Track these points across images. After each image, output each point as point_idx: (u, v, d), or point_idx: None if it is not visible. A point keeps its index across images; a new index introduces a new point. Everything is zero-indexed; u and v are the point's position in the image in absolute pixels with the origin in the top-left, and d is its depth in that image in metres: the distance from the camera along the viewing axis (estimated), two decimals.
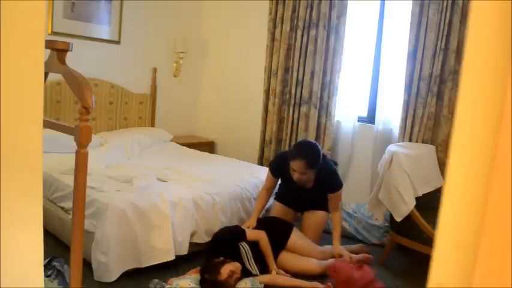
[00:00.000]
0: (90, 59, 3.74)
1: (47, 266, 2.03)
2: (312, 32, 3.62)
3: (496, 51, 0.44)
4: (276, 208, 2.94)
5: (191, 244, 2.60)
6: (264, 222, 2.73)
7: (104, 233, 2.25)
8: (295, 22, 3.75)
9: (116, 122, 4.04)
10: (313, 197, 2.84)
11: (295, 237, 2.65)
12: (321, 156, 2.62)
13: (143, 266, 2.38)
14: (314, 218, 2.89)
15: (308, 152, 2.57)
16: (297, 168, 2.54)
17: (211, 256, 2.39)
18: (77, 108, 1.56)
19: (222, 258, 2.33)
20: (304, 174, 2.57)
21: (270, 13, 3.91)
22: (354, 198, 3.56)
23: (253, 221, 2.69)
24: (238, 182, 3.00)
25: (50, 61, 1.69)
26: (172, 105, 4.59)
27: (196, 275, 2.35)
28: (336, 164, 3.00)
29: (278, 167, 2.78)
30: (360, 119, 3.60)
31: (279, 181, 2.92)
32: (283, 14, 3.80)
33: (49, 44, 1.66)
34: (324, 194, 2.79)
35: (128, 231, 2.32)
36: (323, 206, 2.89)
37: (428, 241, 2.49)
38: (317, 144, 2.70)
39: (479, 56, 0.46)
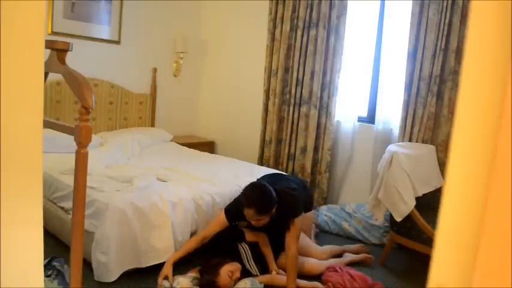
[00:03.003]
0: (90, 59, 3.75)
1: (47, 266, 2.03)
2: (312, 32, 3.62)
3: (496, 51, 0.44)
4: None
5: None
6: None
7: (104, 233, 2.25)
8: (295, 22, 3.75)
9: (116, 122, 4.04)
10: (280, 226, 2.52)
11: None
12: (273, 198, 2.37)
13: (143, 266, 2.38)
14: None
15: (256, 199, 2.34)
16: (250, 217, 2.38)
17: (211, 257, 2.39)
18: (77, 108, 1.56)
19: (221, 259, 2.33)
20: (259, 220, 2.38)
21: (270, 13, 3.91)
22: (354, 198, 3.56)
23: (168, 268, 2.34)
24: (238, 182, 3.00)
25: (50, 61, 1.69)
26: (172, 105, 4.59)
27: (196, 274, 2.35)
28: (302, 184, 2.78)
29: (236, 213, 2.46)
30: (360, 119, 3.60)
31: None
32: (283, 14, 3.80)
33: (49, 44, 1.66)
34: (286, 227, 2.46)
35: (128, 231, 2.32)
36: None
37: (428, 241, 2.49)
38: (265, 186, 2.41)
39: (479, 56, 0.46)
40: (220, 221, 2.50)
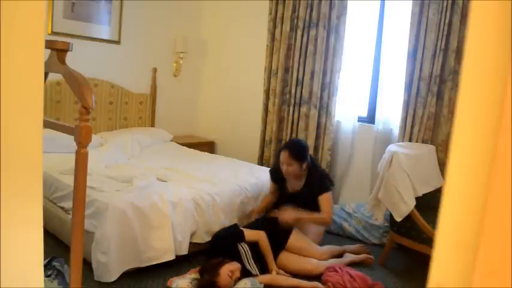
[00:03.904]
0: (90, 59, 3.75)
1: (47, 266, 2.03)
2: (312, 32, 3.62)
3: (496, 51, 0.44)
4: (275, 215, 2.91)
5: (191, 244, 2.60)
6: (264, 223, 2.73)
7: (104, 233, 2.25)
8: (295, 22, 3.75)
9: (116, 122, 4.04)
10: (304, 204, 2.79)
11: (295, 237, 2.65)
12: (307, 152, 2.81)
13: (143, 265, 2.38)
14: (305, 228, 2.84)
15: (293, 144, 2.85)
16: (283, 159, 2.75)
17: (211, 257, 2.40)
18: (77, 108, 1.56)
19: (221, 259, 2.33)
20: (290, 166, 2.74)
21: (270, 13, 3.91)
22: (354, 198, 3.56)
23: (260, 207, 2.95)
24: (238, 182, 3.00)
25: (50, 61, 1.69)
26: (172, 105, 4.59)
27: (196, 274, 2.35)
28: (330, 181, 2.97)
29: (275, 171, 2.93)
30: (360, 119, 3.59)
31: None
32: (283, 14, 3.80)
33: (49, 44, 1.67)
34: (314, 204, 2.76)
35: (128, 231, 2.32)
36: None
37: (428, 241, 2.49)
38: (304, 141, 3.00)
39: (479, 56, 0.46)
40: (270, 182, 3.00)
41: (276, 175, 2.92)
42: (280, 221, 2.63)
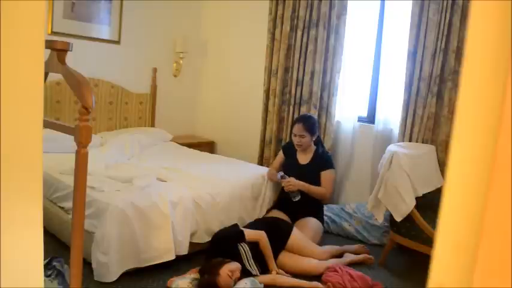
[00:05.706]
0: (90, 59, 3.75)
1: (47, 266, 2.03)
2: (312, 32, 3.62)
3: (496, 51, 0.44)
4: (275, 215, 2.98)
5: (191, 244, 2.60)
6: (264, 223, 2.73)
7: (104, 233, 2.25)
8: (295, 22, 3.75)
9: (116, 122, 4.04)
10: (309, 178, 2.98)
11: (295, 237, 2.66)
12: (317, 126, 3.09)
13: (143, 265, 2.38)
14: (306, 223, 2.92)
15: (306, 118, 3.08)
16: (296, 131, 2.99)
17: (211, 257, 2.39)
18: (77, 108, 1.56)
19: (221, 259, 2.33)
20: (302, 137, 2.98)
21: (270, 13, 3.91)
22: (354, 198, 3.56)
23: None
24: (238, 182, 3.00)
25: (50, 61, 1.69)
26: (172, 105, 4.59)
27: (196, 274, 2.35)
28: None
29: (288, 146, 3.23)
30: (360, 119, 3.59)
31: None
32: (283, 14, 3.80)
33: (49, 44, 1.67)
34: (318, 179, 3.02)
35: (128, 231, 2.32)
36: (315, 215, 3.01)
37: (428, 241, 2.49)
38: (315, 116, 3.30)
39: (479, 56, 0.46)
40: (279, 155, 3.28)
41: (288, 149, 3.19)
42: (286, 188, 2.90)
